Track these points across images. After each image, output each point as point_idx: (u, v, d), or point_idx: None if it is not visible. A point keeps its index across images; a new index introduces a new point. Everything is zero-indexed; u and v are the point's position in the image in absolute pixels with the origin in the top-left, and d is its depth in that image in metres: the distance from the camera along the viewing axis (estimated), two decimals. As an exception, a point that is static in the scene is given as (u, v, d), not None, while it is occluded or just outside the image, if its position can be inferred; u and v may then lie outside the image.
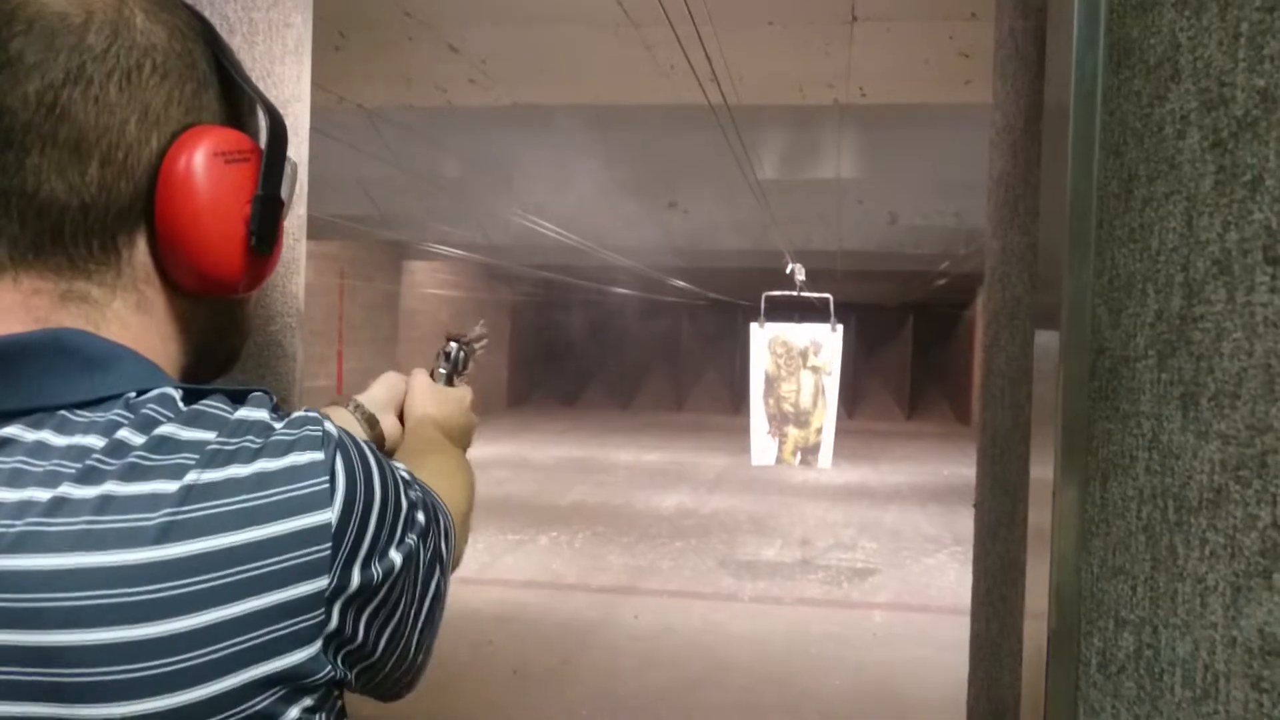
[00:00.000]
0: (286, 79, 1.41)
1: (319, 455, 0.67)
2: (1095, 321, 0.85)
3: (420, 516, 0.77)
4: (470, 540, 1.20)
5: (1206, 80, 0.69)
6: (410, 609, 0.76)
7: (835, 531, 9.66)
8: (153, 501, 0.62)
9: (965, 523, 9.43)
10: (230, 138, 0.73)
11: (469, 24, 5.33)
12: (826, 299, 9.10)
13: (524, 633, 6.16)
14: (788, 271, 9.32)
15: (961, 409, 20.85)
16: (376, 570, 0.69)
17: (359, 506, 0.68)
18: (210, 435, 0.66)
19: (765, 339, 8.68)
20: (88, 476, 0.62)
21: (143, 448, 0.64)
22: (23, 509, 0.61)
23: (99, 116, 0.67)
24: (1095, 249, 0.85)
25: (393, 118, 6.94)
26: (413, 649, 0.78)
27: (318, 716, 0.67)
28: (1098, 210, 0.85)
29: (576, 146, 8.10)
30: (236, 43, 1.27)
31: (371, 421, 1.25)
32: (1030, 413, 1.01)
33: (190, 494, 0.63)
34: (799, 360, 8.71)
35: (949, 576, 7.93)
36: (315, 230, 1.42)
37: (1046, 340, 0.93)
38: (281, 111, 0.77)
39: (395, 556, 0.71)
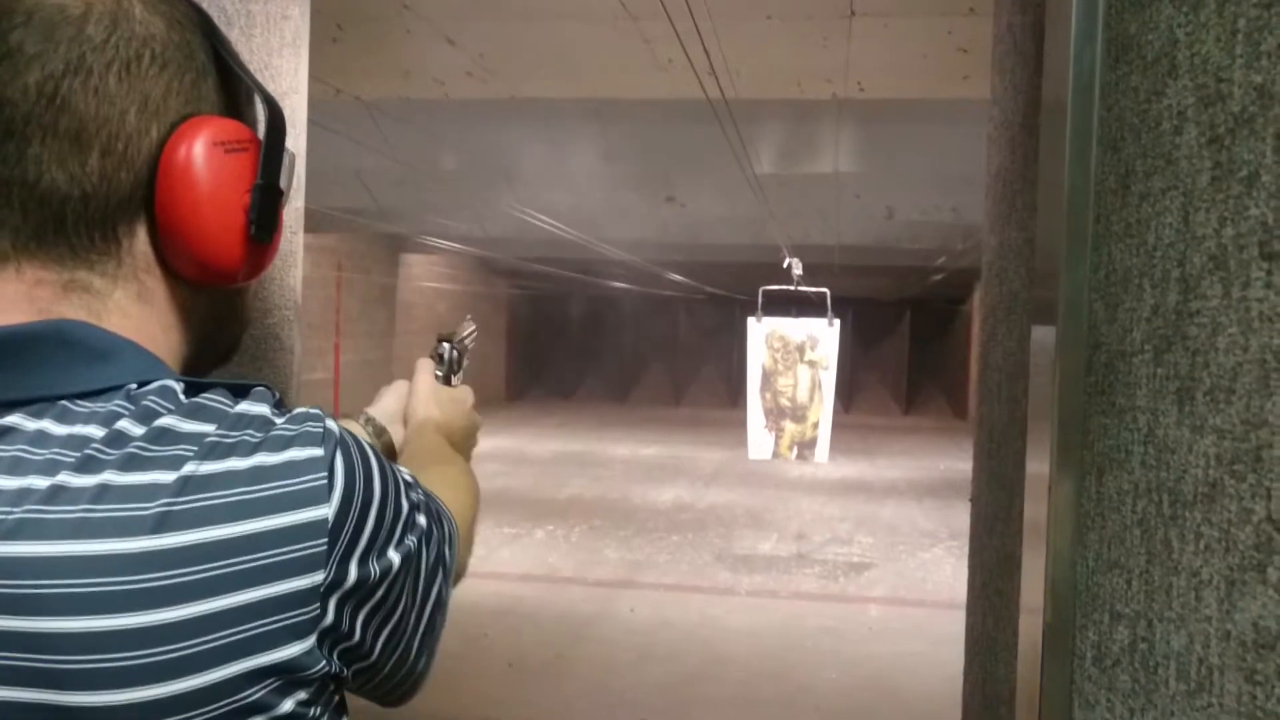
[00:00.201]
0: (284, 71, 1.41)
1: (318, 451, 0.67)
2: (1092, 316, 0.85)
3: (421, 520, 0.77)
4: None
5: (1204, 76, 0.69)
6: (410, 613, 0.76)
7: (831, 526, 9.67)
8: (150, 491, 0.62)
9: (961, 517, 9.44)
10: (229, 127, 0.73)
11: (467, 17, 5.32)
12: (824, 294, 9.10)
13: (520, 626, 6.16)
14: (785, 266, 9.31)
15: (958, 404, 20.88)
16: (374, 568, 0.69)
17: (357, 504, 0.68)
18: (210, 428, 0.66)
19: (762, 333, 8.68)
20: (86, 465, 0.63)
21: (142, 438, 0.64)
22: (21, 496, 0.62)
23: (99, 107, 0.67)
24: (1092, 244, 0.85)
25: (390, 110, 6.93)
26: (413, 654, 0.78)
27: (313, 710, 0.67)
28: (1095, 205, 0.85)
29: (574, 140, 8.09)
30: (234, 35, 1.27)
31: (380, 432, 1.28)
32: (1027, 407, 1.01)
33: (188, 485, 0.63)
34: (796, 355, 8.71)
35: (945, 571, 7.95)
36: (312, 223, 1.42)
37: (1043, 335, 0.94)
38: (279, 103, 0.78)
39: (394, 556, 0.72)
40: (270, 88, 1.34)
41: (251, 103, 0.80)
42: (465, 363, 1.39)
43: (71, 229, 0.68)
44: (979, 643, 1.39)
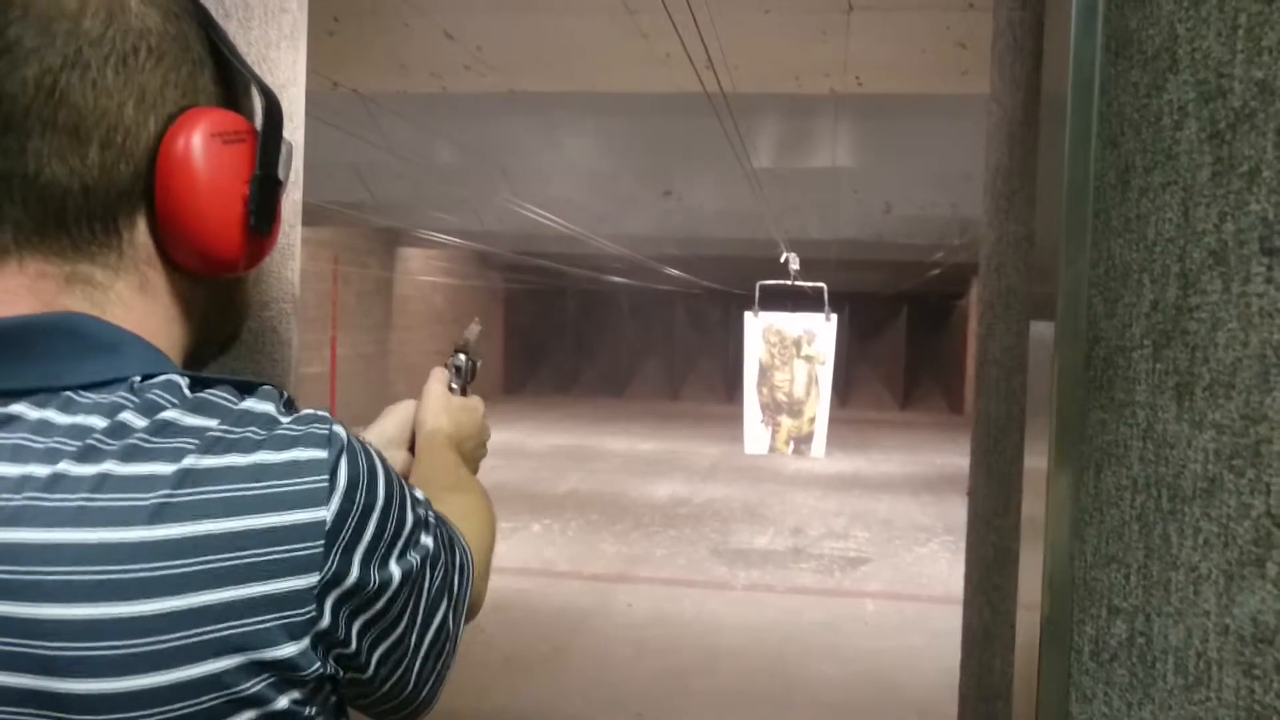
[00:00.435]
0: (282, 64, 1.41)
1: (322, 453, 0.67)
2: (1091, 311, 0.85)
3: (427, 540, 0.76)
4: None
5: (1204, 71, 0.69)
6: (410, 634, 0.75)
7: (828, 520, 9.68)
8: (149, 482, 0.63)
9: (957, 512, 9.46)
10: (227, 119, 0.74)
11: (465, 10, 5.31)
12: (821, 288, 9.11)
13: (516, 620, 6.17)
14: (782, 260, 9.31)
15: (955, 399, 20.90)
16: (373, 576, 0.69)
17: (357, 509, 0.68)
18: (213, 423, 0.67)
19: (759, 328, 8.68)
20: (87, 455, 0.63)
21: (144, 430, 0.65)
22: (22, 483, 0.62)
23: (97, 100, 0.68)
24: (1092, 239, 0.85)
25: (388, 104, 6.92)
26: (413, 679, 0.78)
27: (308, 709, 0.68)
28: (1094, 201, 0.85)
29: (572, 134, 8.09)
30: (232, 28, 1.27)
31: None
32: (1025, 402, 1.01)
33: (187, 478, 0.63)
34: (793, 349, 8.71)
35: (941, 565, 7.96)
36: (309, 216, 1.42)
37: (1042, 330, 0.94)
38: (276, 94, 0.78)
39: (394, 569, 0.71)
40: (268, 80, 1.33)
41: (248, 94, 0.80)
42: (478, 367, 1.37)
43: (72, 222, 0.69)
44: (976, 637, 1.39)
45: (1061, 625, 0.87)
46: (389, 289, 16.71)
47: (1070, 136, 0.87)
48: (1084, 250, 0.86)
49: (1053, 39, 0.95)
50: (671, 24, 4.01)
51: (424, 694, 0.80)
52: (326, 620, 0.66)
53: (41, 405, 0.66)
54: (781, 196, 9.03)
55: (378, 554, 0.70)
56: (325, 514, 0.66)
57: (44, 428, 0.65)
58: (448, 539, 0.81)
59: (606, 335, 24.00)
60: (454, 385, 1.32)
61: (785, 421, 8.76)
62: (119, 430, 0.65)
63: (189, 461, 0.64)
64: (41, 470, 0.63)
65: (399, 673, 0.76)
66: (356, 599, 0.68)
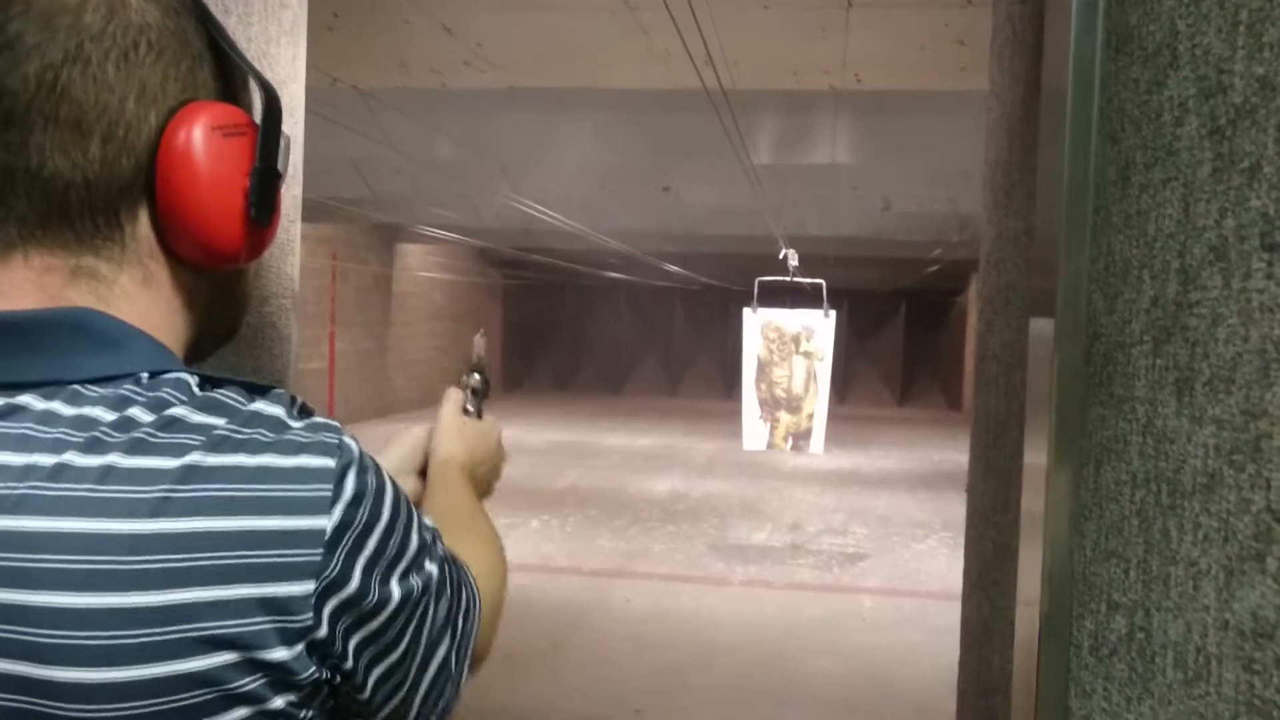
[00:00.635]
0: (282, 60, 1.41)
1: (329, 462, 0.68)
2: (1091, 307, 0.85)
3: (431, 568, 0.76)
4: None
5: (1205, 67, 0.70)
6: (410, 662, 0.75)
7: (826, 516, 9.69)
8: (153, 476, 0.63)
9: (955, 508, 9.46)
10: (227, 112, 0.74)
11: (464, 7, 5.31)
12: (819, 284, 9.11)
13: (515, 616, 6.14)
14: (781, 257, 9.32)
15: (953, 395, 20.91)
16: (373, 589, 0.69)
17: (360, 523, 0.68)
18: (220, 421, 0.67)
19: (758, 324, 8.69)
20: (93, 447, 0.64)
21: (151, 425, 0.66)
22: (27, 472, 0.63)
23: (98, 95, 0.68)
24: (1091, 235, 0.85)
25: (387, 100, 6.92)
26: (413, 713, 0.77)
27: (304, 713, 0.68)
28: (1094, 196, 0.85)
29: (571, 130, 8.08)
30: (231, 23, 1.27)
31: None
32: (1024, 398, 1.02)
33: (190, 474, 0.64)
34: (791, 345, 8.72)
35: (938, 562, 7.97)
36: (308, 212, 1.42)
37: (1041, 327, 0.94)
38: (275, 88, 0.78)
39: (395, 588, 0.71)
40: (268, 76, 1.33)
41: (247, 88, 0.80)
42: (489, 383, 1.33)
43: (75, 215, 0.69)
44: (975, 632, 1.39)
45: (1061, 620, 0.87)
46: (388, 285, 16.70)
47: (1070, 132, 0.87)
48: (1084, 246, 0.86)
49: (1053, 34, 0.95)
50: (671, 20, 4.00)
51: None
52: (324, 630, 0.66)
53: (48, 398, 0.67)
54: (780, 193, 9.03)
55: (379, 568, 0.69)
56: (326, 522, 0.66)
57: (50, 418, 0.65)
58: (455, 577, 0.81)
59: (605, 331, 24.00)
60: (469, 407, 1.28)
61: (784, 417, 8.77)
62: (125, 424, 0.65)
63: (194, 458, 0.64)
64: (47, 460, 0.63)
65: (396, 701, 0.75)
66: (355, 611, 0.68)
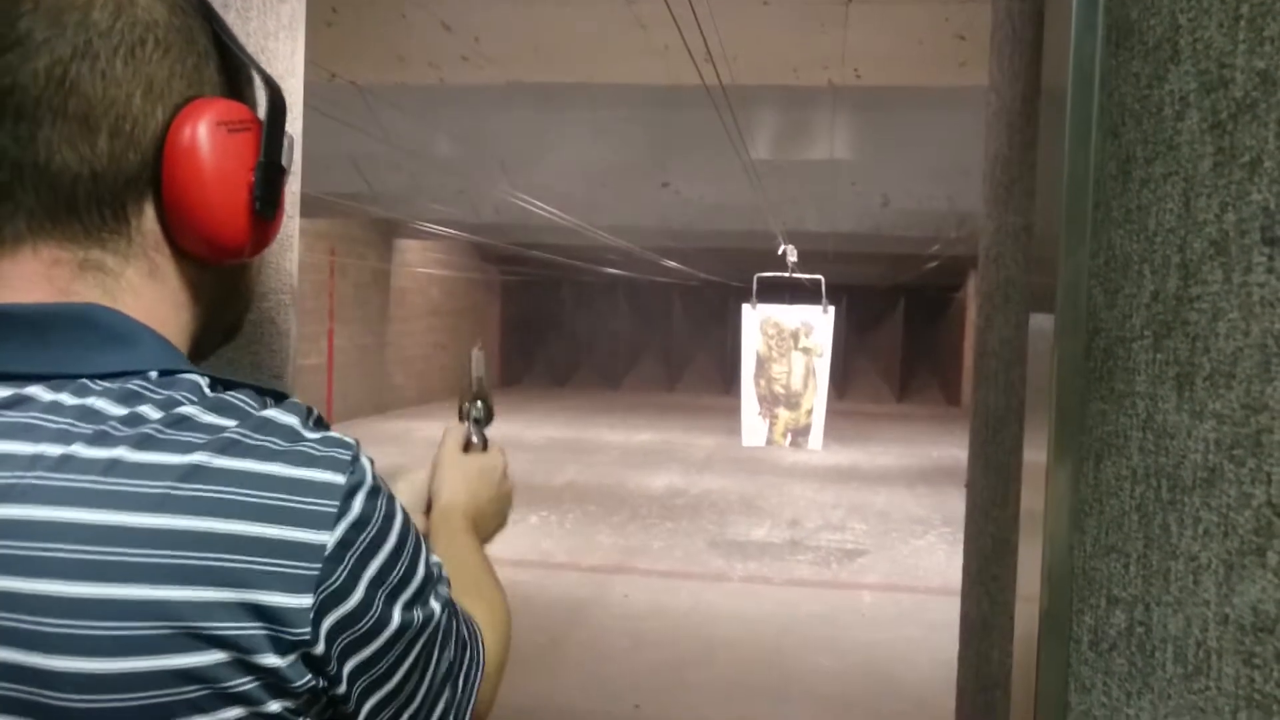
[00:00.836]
0: (280, 55, 1.41)
1: (339, 479, 0.68)
2: (1091, 302, 0.85)
3: (434, 605, 0.76)
4: None
5: (1206, 62, 0.69)
6: (409, 704, 0.75)
7: (825, 512, 9.69)
8: (157, 472, 0.64)
9: (954, 504, 9.47)
10: (232, 108, 0.75)
11: (463, 2, 5.30)
12: (818, 280, 9.11)
13: (514, 612, 6.15)
14: (780, 253, 9.32)
15: (952, 391, 20.92)
16: (374, 608, 0.69)
17: (363, 544, 0.68)
18: (230, 423, 0.68)
19: (757, 320, 8.69)
20: (100, 439, 0.65)
21: (160, 422, 0.66)
22: (34, 462, 0.64)
23: (106, 90, 0.69)
24: (1092, 230, 0.85)
25: (385, 95, 6.91)
26: None
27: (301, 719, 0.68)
28: (1094, 192, 0.85)
29: (569, 125, 8.07)
30: (230, 18, 1.26)
31: None
32: (1024, 393, 1.01)
33: (195, 473, 0.64)
34: (790, 341, 8.72)
35: (937, 557, 7.98)
36: (306, 208, 1.41)
37: (1041, 322, 0.94)
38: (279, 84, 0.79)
39: (396, 614, 0.71)
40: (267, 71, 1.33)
41: (251, 85, 0.81)
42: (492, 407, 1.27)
43: (83, 208, 0.70)
44: (974, 628, 1.39)
45: (1060, 615, 0.87)
46: (386, 281, 16.70)
47: (1070, 128, 0.87)
48: (1084, 241, 0.86)
49: (1053, 30, 0.95)
50: (670, 15, 4.00)
51: None
52: (320, 647, 0.66)
53: (55, 390, 0.68)
54: (779, 189, 9.02)
55: (384, 588, 0.70)
56: (328, 538, 0.66)
57: (56, 409, 0.66)
58: (461, 631, 0.81)
59: (603, 327, 24.00)
60: (473, 439, 1.23)
61: (783, 413, 8.77)
62: (134, 419, 0.66)
63: (200, 458, 0.65)
64: (54, 449, 0.64)
65: None
66: (353, 630, 0.68)
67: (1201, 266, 0.69)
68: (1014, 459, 1.12)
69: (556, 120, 8.03)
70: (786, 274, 9.26)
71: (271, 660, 0.64)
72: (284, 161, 0.79)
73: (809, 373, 8.71)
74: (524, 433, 14.50)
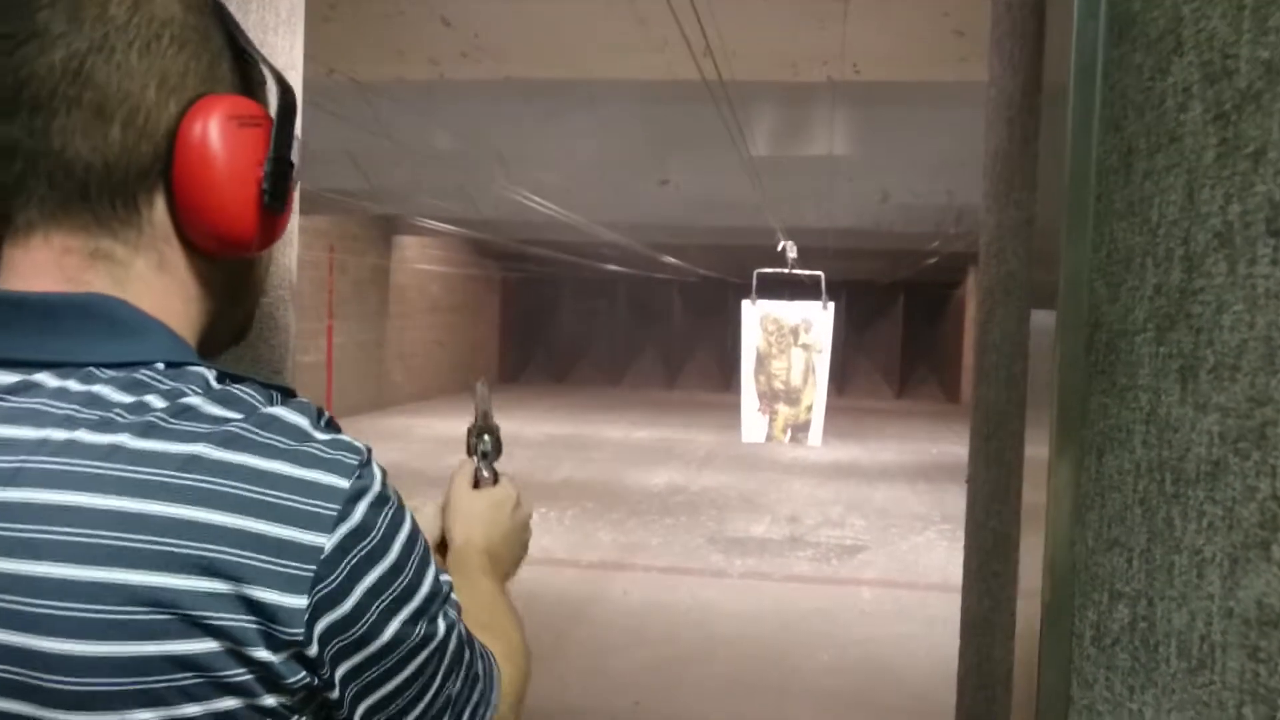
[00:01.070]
0: (279, 49, 1.40)
1: (343, 483, 0.68)
2: (1093, 296, 0.84)
3: (440, 626, 0.75)
4: None
5: (1210, 53, 0.69)
6: (404, 716, 0.74)
7: (824, 509, 9.69)
8: (158, 459, 0.65)
9: (953, 500, 9.47)
10: (243, 104, 0.76)
11: (461, -3, 5.29)
12: (818, 276, 9.11)
13: (514, 608, 6.16)
14: (779, 249, 9.31)
15: (951, 387, 20.92)
16: (367, 616, 0.69)
17: (361, 552, 0.68)
18: (235, 416, 0.68)
19: (757, 316, 8.69)
20: (104, 426, 0.66)
21: (164, 411, 0.67)
22: (39, 446, 0.66)
23: (121, 82, 0.71)
24: (1094, 223, 0.85)
25: (384, 91, 6.90)
26: None
27: (297, 718, 0.68)
28: (1096, 184, 0.85)
29: (568, 121, 8.06)
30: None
31: None
32: (1025, 388, 1.01)
33: (194, 463, 0.65)
34: (790, 338, 8.72)
35: (937, 554, 7.98)
36: (305, 204, 1.41)
37: (1043, 318, 0.93)
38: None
39: (389, 628, 0.71)
40: (265, 65, 1.32)
41: (264, 87, 0.82)
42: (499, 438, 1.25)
43: (95, 197, 0.72)
44: (975, 623, 1.39)
45: (1062, 611, 0.87)
46: (385, 278, 16.68)
47: (1072, 121, 0.86)
48: (1086, 234, 0.85)
49: (1055, 23, 0.94)
50: (670, 10, 3.99)
51: None
52: (314, 649, 0.66)
53: (63, 377, 0.69)
54: (778, 185, 9.01)
55: (380, 600, 0.69)
56: (325, 541, 0.66)
57: (62, 394, 0.68)
58: (475, 669, 0.80)
59: (603, 324, 23.99)
60: (484, 474, 1.20)
61: (782, 410, 8.77)
62: (139, 408, 0.67)
63: (201, 449, 0.66)
64: (59, 434, 0.66)
65: None
66: (345, 636, 0.68)
67: (1205, 259, 0.68)
68: (1015, 454, 1.11)
69: (555, 116, 8.02)
70: (786, 270, 9.26)
71: (264, 655, 0.65)
72: (294, 158, 0.80)
73: (809, 369, 8.71)
74: (523, 429, 14.50)
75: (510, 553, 1.17)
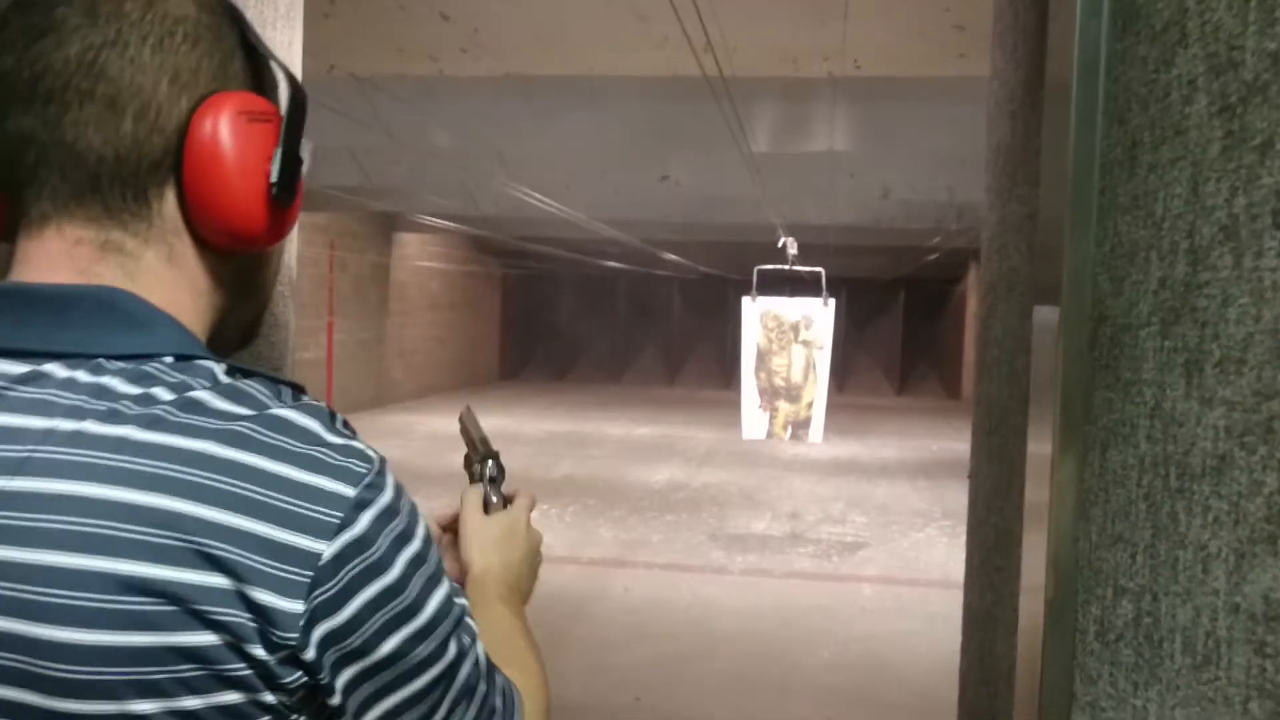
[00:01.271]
0: (278, 45, 1.39)
1: (349, 491, 0.68)
2: (1096, 290, 0.84)
3: (452, 650, 0.74)
4: None
5: (1215, 44, 0.69)
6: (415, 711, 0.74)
7: (825, 505, 9.69)
8: (164, 453, 0.66)
9: (954, 497, 9.48)
10: (254, 100, 0.77)
11: (461, -7, 5.29)
12: (818, 273, 9.11)
13: (515, 604, 6.15)
14: (780, 245, 9.31)
15: (952, 384, 20.92)
16: (359, 632, 0.68)
17: (361, 564, 0.68)
18: (242, 411, 0.69)
19: (757, 313, 8.68)
20: (111, 417, 0.67)
21: (171, 404, 0.68)
22: (46, 436, 0.66)
23: (134, 76, 0.72)
24: (1097, 217, 0.84)
25: (384, 87, 6.89)
26: None
27: (295, 716, 0.68)
28: (1100, 178, 0.84)
29: (568, 117, 8.06)
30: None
31: None
32: (1027, 383, 1.01)
33: (203, 460, 0.66)
34: (790, 334, 8.71)
35: (938, 550, 7.98)
36: (306, 201, 1.40)
37: (1046, 313, 0.93)
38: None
39: (388, 643, 0.70)
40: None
41: (276, 88, 0.84)
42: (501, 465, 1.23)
43: (106, 188, 0.73)
44: (977, 619, 1.38)
45: (1066, 607, 0.87)
46: (385, 274, 16.68)
47: (1076, 114, 0.86)
48: (1090, 227, 0.85)
49: (1058, 16, 0.94)
50: (670, 6, 3.99)
51: None
52: (311, 653, 0.66)
53: (72, 367, 0.70)
54: (779, 181, 9.01)
55: (379, 615, 0.69)
56: (325, 548, 0.66)
57: (70, 385, 0.68)
58: (493, 702, 0.79)
59: (603, 320, 23.99)
60: (493, 498, 1.18)
61: (783, 406, 8.77)
62: (146, 399, 0.68)
63: (208, 445, 0.66)
64: (66, 425, 0.66)
65: None
66: (343, 646, 0.68)
67: (1211, 252, 0.68)
68: (1018, 450, 1.11)
69: (555, 112, 8.01)
70: (787, 267, 9.26)
71: (260, 653, 0.65)
72: (303, 154, 0.80)
73: (809, 366, 8.71)
74: (523, 426, 14.50)
75: (527, 578, 1.16)
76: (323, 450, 0.69)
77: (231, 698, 0.65)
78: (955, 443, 13.50)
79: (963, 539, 1.49)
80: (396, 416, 15.05)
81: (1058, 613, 0.88)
